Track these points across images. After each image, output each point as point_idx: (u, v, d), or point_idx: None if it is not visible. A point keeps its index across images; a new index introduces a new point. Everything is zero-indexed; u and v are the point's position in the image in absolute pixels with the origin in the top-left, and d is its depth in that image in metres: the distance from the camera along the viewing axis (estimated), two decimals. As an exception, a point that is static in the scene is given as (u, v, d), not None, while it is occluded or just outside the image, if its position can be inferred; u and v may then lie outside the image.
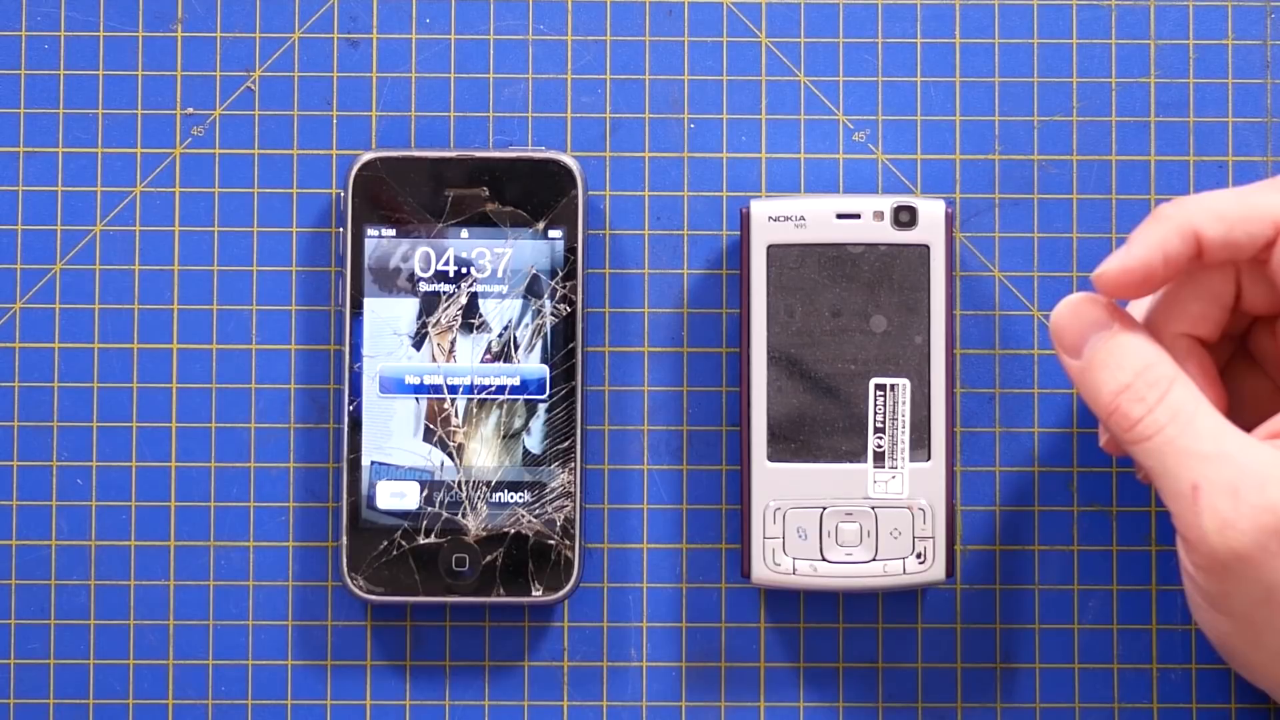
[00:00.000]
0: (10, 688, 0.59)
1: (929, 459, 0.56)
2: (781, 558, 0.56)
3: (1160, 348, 0.50)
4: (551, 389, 0.58)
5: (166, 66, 0.60)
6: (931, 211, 0.56)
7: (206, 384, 0.59)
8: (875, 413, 0.56)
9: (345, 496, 0.58)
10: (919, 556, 0.56)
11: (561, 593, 0.57)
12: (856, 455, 0.56)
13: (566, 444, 0.58)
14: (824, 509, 0.56)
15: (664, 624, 0.59)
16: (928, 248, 0.56)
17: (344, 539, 0.58)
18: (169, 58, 0.60)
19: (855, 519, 0.56)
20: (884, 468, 0.56)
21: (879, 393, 0.56)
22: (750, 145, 0.60)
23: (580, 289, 0.58)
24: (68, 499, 0.59)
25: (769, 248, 0.56)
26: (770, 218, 0.56)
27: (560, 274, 0.58)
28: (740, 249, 0.57)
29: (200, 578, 0.59)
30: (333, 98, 0.60)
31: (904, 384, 0.56)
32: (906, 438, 0.56)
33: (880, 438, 0.56)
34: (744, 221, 0.57)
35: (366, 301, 0.58)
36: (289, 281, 0.60)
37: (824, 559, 0.56)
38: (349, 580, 0.57)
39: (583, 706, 0.59)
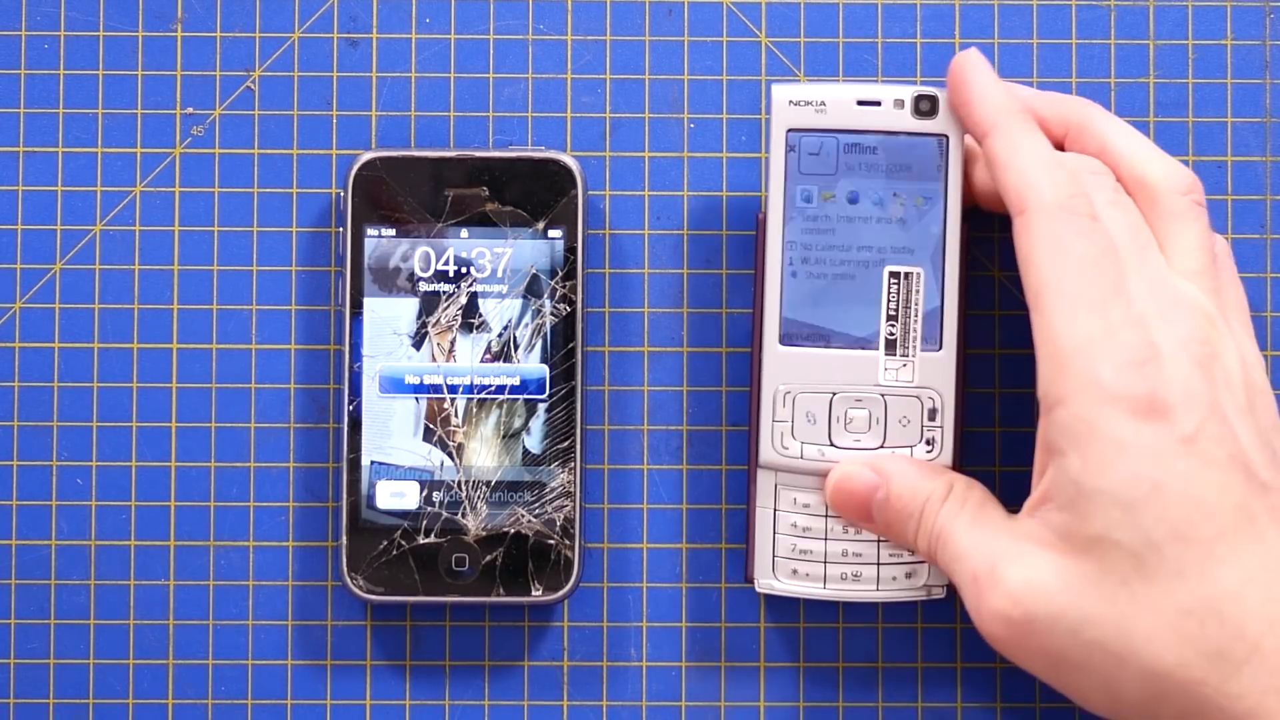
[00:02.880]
0: (10, 688, 0.59)
1: (940, 348, 0.56)
2: (790, 441, 0.56)
3: (926, 476, 0.54)
4: (551, 389, 0.58)
5: (166, 66, 0.60)
6: None
7: (206, 384, 0.59)
8: (889, 300, 0.56)
9: (345, 496, 0.58)
10: (928, 444, 0.56)
11: (561, 592, 0.58)
12: (868, 342, 0.56)
13: (566, 444, 0.58)
14: (834, 394, 0.56)
15: (664, 624, 0.59)
16: (947, 138, 0.56)
17: (344, 539, 0.58)
18: (169, 58, 0.60)
19: (865, 405, 0.56)
20: (895, 355, 0.56)
21: (893, 280, 0.56)
22: (750, 145, 0.60)
23: (580, 289, 0.58)
24: (68, 499, 0.59)
25: (788, 131, 0.56)
26: (791, 102, 0.56)
27: (560, 274, 0.58)
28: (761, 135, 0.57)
29: (200, 578, 0.59)
30: (333, 98, 0.60)
31: (918, 272, 0.56)
32: (919, 326, 0.56)
33: (893, 325, 0.55)
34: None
35: (366, 301, 0.58)
36: (289, 281, 0.60)
37: (832, 444, 0.56)
38: (349, 580, 0.57)
39: (583, 706, 0.59)
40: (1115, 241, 0.51)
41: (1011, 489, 0.59)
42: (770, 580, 0.57)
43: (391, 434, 0.58)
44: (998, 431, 0.59)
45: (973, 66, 0.54)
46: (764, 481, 0.56)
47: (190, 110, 0.60)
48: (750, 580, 0.57)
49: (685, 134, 0.60)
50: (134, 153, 0.60)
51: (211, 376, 0.59)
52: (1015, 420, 0.59)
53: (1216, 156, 0.60)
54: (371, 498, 0.58)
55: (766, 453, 0.56)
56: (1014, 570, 0.50)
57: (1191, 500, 0.49)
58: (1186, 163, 0.60)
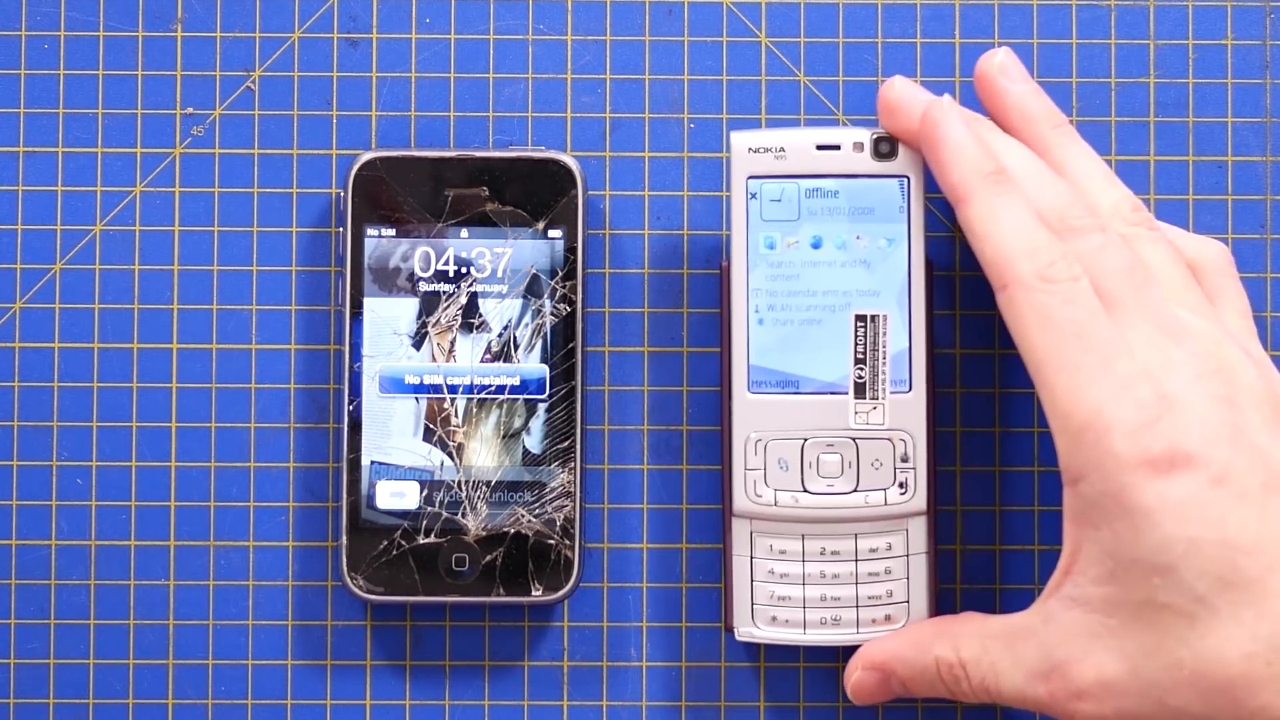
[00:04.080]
0: (10, 688, 0.59)
1: (910, 390, 0.56)
2: (763, 489, 0.56)
3: (920, 649, 0.54)
4: (551, 389, 0.58)
5: (166, 66, 0.60)
6: None
7: (206, 384, 0.59)
8: (856, 344, 0.56)
9: (345, 496, 0.58)
10: (901, 486, 0.56)
11: (561, 592, 0.58)
12: (837, 387, 0.56)
13: (566, 444, 0.58)
14: (805, 440, 0.56)
15: (664, 624, 0.59)
16: (908, 179, 0.56)
17: (344, 539, 0.58)
18: (169, 58, 0.60)
19: (836, 450, 0.56)
20: (865, 399, 0.56)
21: (859, 324, 0.56)
22: (750, 145, 0.60)
23: (580, 289, 0.58)
24: (68, 499, 0.59)
25: (748, 179, 0.56)
26: (750, 149, 0.56)
27: (560, 274, 0.58)
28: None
29: (200, 578, 0.59)
30: (333, 98, 0.60)
31: (884, 315, 0.56)
32: (887, 369, 0.56)
33: (861, 369, 0.55)
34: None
35: (366, 301, 0.58)
36: (289, 281, 0.60)
37: (805, 490, 0.56)
38: (349, 580, 0.57)
39: (583, 706, 0.59)
40: (1109, 289, 0.51)
41: (1012, 488, 0.59)
42: (750, 628, 0.56)
43: (391, 434, 0.58)
44: (997, 432, 0.59)
45: (942, 121, 0.53)
46: (739, 530, 0.56)
47: (190, 110, 0.60)
48: (730, 629, 0.57)
49: (685, 134, 0.60)
50: (134, 153, 0.60)
51: (211, 376, 0.59)
52: (1014, 421, 0.59)
53: (1216, 156, 0.60)
54: (371, 498, 0.58)
55: (740, 501, 0.56)
56: (1081, 673, 0.50)
57: (1231, 545, 0.48)
58: (1186, 163, 0.60)
